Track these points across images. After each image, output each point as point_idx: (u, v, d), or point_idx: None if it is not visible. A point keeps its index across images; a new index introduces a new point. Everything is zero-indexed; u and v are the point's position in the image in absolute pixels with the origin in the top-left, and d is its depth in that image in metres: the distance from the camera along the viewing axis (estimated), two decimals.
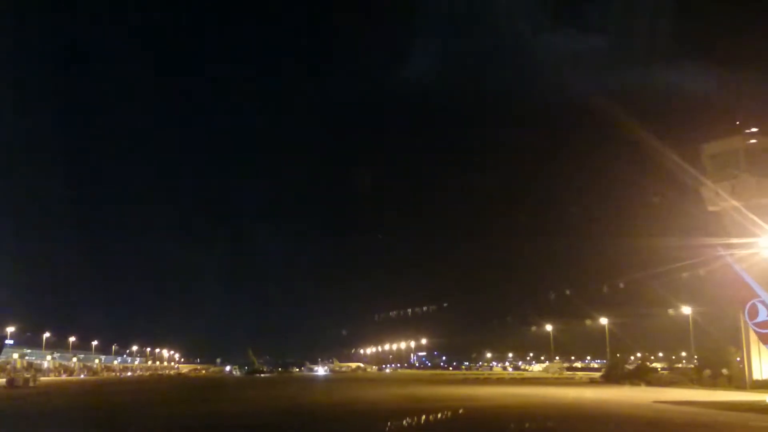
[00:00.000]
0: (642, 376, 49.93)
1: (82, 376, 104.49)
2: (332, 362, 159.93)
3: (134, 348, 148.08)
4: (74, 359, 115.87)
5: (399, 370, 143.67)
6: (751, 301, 24.36)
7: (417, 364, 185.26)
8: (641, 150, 47.83)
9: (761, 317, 24.12)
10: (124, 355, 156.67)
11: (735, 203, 41.61)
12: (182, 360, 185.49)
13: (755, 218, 40.34)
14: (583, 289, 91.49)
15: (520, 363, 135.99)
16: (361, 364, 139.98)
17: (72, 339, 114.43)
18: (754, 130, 45.35)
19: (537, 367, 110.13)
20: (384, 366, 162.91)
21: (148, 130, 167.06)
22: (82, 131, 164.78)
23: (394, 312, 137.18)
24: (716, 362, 45.79)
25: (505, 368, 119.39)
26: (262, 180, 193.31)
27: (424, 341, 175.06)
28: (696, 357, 53.94)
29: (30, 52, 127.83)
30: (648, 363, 66.52)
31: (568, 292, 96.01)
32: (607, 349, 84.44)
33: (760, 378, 43.68)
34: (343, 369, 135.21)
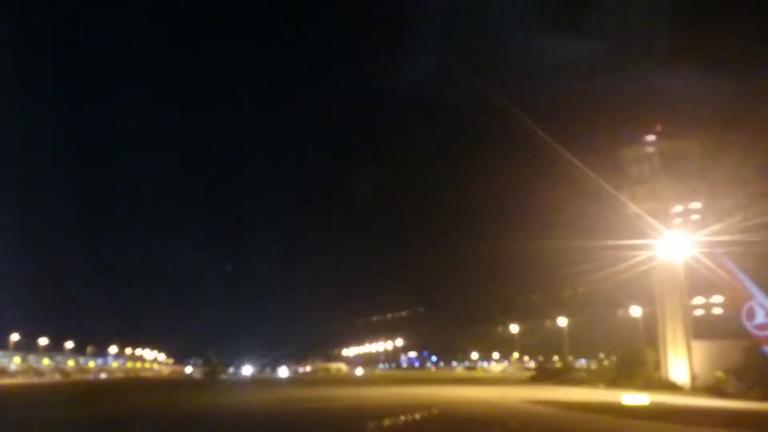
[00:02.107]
0: (559, 375, 50.93)
1: (56, 377, 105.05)
2: (314, 363, 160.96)
3: (112, 349, 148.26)
4: (45, 361, 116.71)
5: (376, 371, 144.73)
6: (748, 303, 24.12)
7: (404, 365, 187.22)
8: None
9: (759, 319, 24.01)
10: (108, 357, 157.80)
11: (634, 208, 42.26)
12: (173, 362, 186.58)
13: (651, 221, 41.26)
14: (549, 292, 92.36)
15: (481, 363, 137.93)
16: (331, 365, 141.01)
17: (45, 341, 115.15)
18: (653, 135, 46.07)
19: (498, 367, 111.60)
20: (376, 365, 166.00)
21: (144, 130, 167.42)
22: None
23: (385, 313, 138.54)
24: (632, 362, 46.55)
25: (471, 368, 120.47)
26: (255, 184, 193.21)
27: (415, 342, 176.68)
28: (601, 356, 54.69)
29: (31, 55, 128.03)
30: (570, 363, 67.63)
31: (534, 296, 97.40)
32: (566, 350, 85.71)
33: (675, 380, 44.31)
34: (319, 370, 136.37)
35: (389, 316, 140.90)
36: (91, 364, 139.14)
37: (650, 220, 40.88)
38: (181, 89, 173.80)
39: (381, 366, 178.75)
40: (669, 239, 43.32)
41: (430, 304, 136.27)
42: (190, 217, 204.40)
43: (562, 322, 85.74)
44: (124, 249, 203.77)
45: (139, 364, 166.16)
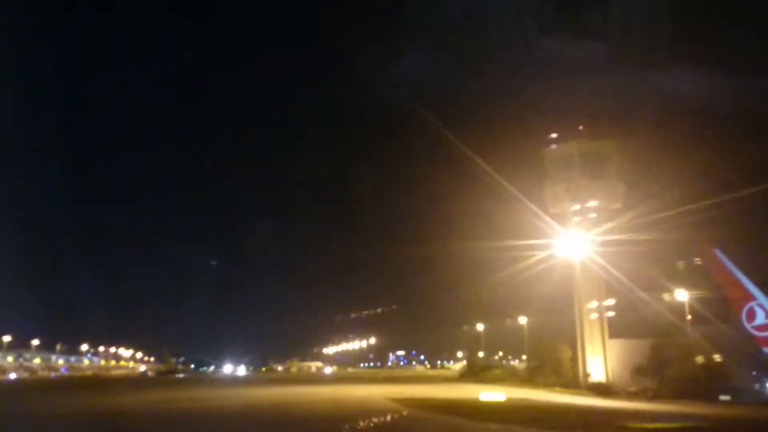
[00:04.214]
0: (480, 374, 52.63)
1: (12, 376, 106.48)
2: (292, 361, 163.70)
3: (84, 347, 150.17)
4: (9, 358, 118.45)
5: (349, 369, 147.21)
6: (749, 304, 24.55)
7: (390, 364, 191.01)
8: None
9: (759, 320, 24.26)
10: (87, 354, 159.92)
11: (534, 208, 43.58)
12: (154, 360, 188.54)
13: (553, 223, 42.67)
14: (511, 291, 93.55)
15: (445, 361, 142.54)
16: (293, 364, 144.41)
17: (7, 338, 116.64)
18: (570, 133, 47.18)
19: (457, 365, 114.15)
20: (364, 365, 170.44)
21: (139, 125, 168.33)
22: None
23: (373, 311, 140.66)
24: (548, 361, 47.94)
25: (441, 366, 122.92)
26: (242, 187, 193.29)
27: (402, 340, 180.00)
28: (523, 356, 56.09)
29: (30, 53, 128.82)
30: (498, 361, 69.44)
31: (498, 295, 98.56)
32: (525, 347, 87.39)
33: (589, 378, 45.68)
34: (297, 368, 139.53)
35: (376, 311, 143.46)
36: (60, 362, 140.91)
37: (552, 221, 42.42)
38: (176, 90, 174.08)
39: (363, 365, 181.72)
40: (575, 239, 44.94)
41: (416, 305, 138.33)
42: (176, 217, 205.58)
43: (522, 320, 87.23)
44: (109, 247, 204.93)
45: (113, 362, 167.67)
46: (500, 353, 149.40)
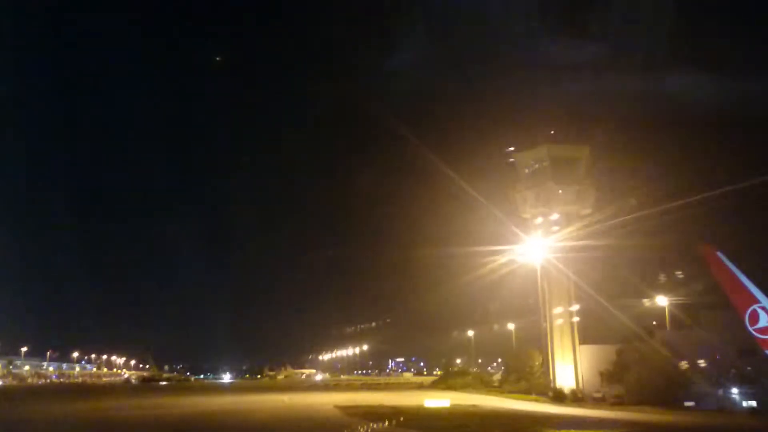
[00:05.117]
0: (448, 380, 52.74)
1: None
2: (287, 368, 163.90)
3: (75, 354, 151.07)
4: None
5: (342, 376, 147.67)
6: (752, 307, 24.21)
7: (388, 371, 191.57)
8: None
9: (762, 323, 24.50)
10: (82, 362, 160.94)
11: (498, 213, 43.57)
12: (146, 367, 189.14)
13: (516, 229, 42.68)
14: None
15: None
16: (293, 370, 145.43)
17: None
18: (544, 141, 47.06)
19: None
20: (362, 372, 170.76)
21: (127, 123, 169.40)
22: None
23: (372, 320, 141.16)
24: (519, 368, 47.89)
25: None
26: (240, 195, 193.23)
27: (403, 347, 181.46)
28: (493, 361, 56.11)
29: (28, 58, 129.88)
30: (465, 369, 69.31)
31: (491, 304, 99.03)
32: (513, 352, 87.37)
33: (558, 385, 45.56)
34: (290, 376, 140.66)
35: (372, 323, 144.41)
36: (51, 369, 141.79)
37: (512, 226, 42.45)
38: (174, 96, 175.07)
39: (364, 371, 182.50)
40: (542, 244, 44.94)
41: (415, 311, 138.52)
42: (173, 226, 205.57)
43: (511, 326, 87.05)
44: (104, 254, 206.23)
45: (104, 370, 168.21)
46: (499, 360, 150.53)
